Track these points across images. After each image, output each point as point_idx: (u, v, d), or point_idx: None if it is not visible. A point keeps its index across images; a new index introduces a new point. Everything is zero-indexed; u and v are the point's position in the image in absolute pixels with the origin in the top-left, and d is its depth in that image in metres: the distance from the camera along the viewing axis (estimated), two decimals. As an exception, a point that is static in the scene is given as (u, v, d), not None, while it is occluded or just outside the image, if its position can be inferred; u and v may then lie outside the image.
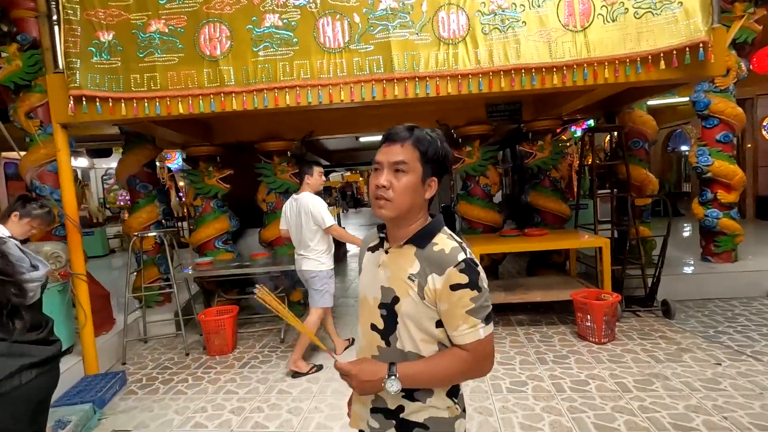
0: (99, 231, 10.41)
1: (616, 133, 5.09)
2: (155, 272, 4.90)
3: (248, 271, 4.24)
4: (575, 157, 8.69)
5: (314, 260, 3.47)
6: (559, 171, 5.03)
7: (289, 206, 3.60)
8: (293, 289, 5.03)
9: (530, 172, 5.23)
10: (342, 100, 3.28)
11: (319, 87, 3.26)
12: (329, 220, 3.39)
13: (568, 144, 5.08)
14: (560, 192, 5.09)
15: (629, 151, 4.84)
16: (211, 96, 3.26)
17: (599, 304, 3.62)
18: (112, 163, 11.38)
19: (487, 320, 1.04)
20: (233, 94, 3.26)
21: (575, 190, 8.01)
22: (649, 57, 3.16)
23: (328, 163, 10.48)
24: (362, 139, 7.21)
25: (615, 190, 4.90)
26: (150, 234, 4.35)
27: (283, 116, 4.90)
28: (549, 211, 5.04)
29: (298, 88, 3.26)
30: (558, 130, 5.02)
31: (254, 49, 3.24)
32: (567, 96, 4.25)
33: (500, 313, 4.53)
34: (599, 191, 5.01)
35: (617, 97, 4.43)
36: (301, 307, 5.09)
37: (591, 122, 10.07)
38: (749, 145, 9.10)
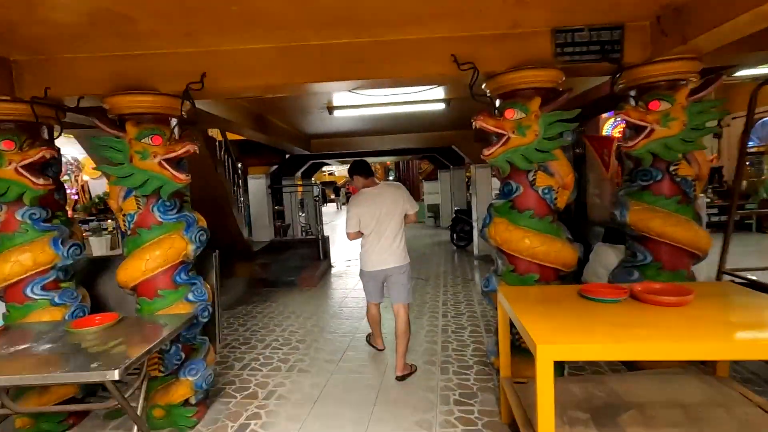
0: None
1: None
2: None
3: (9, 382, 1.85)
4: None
5: (405, 253, 3.29)
6: (693, 165, 2.56)
7: (366, 202, 3.21)
8: (176, 378, 2.67)
9: (634, 166, 2.75)
10: None
11: None
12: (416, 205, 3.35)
13: (724, 110, 2.49)
14: (691, 206, 2.62)
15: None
16: None
17: None
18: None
19: None
20: None
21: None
22: None
23: (308, 153, 8.11)
24: (337, 114, 4.81)
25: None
26: None
27: (148, 44, 2.50)
28: (670, 242, 2.57)
29: None
30: (693, 87, 2.52)
31: None
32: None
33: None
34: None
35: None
36: (193, 409, 2.74)
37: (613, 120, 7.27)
38: None
